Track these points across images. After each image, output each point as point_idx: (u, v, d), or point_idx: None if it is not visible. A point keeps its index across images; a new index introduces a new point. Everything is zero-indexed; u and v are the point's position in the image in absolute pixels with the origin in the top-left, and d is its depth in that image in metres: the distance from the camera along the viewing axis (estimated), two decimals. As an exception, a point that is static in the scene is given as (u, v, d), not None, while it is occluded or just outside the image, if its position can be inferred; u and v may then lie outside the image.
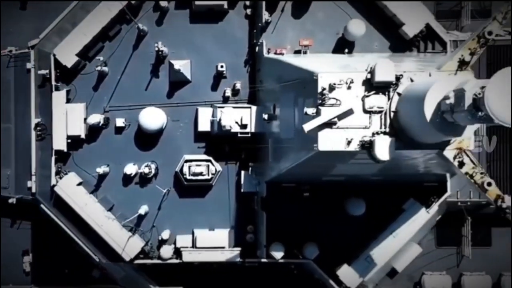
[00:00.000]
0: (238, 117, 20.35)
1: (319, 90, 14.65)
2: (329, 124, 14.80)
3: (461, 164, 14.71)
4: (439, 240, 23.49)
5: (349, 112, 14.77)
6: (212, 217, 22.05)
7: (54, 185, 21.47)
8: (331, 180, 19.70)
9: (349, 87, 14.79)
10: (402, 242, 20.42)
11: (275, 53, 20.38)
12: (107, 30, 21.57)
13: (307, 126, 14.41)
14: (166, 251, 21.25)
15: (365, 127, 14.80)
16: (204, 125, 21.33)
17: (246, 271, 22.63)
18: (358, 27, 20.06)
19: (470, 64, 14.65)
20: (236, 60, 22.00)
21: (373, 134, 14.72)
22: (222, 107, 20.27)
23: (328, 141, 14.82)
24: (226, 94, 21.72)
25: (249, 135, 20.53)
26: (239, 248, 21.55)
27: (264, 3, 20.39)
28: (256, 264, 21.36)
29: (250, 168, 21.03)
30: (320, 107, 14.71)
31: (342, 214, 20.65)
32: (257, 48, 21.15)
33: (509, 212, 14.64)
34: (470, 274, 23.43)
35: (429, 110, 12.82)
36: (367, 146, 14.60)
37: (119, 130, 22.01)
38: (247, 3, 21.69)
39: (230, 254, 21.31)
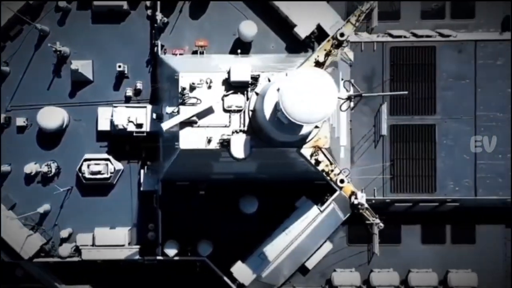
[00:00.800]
0: (133, 117, 20.71)
1: (180, 89, 15.06)
2: (190, 123, 15.22)
3: (318, 162, 15.17)
4: (351, 237, 23.88)
5: (209, 111, 15.19)
6: (114, 215, 22.27)
7: (-49, 185, 21.66)
8: (222, 179, 20.14)
9: (209, 87, 15.21)
10: (294, 239, 20.85)
11: (173, 54, 20.82)
12: (7, 30, 21.74)
13: (165, 125, 14.83)
14: (64, 250, 21.50)
15: (225, 126, 15.23)
16: (103, 125, 21.57)
17: (153, 269, 22.94)
18: (249, 28, 20.47)
19: (326, 64, 15.07)
20: (138, 60, 22.18)
21: (233, 132, 15.17)
22: (116, 107, 20.62)
23: (189, 140, 15.27)
24: (128, 94, 22.00)
25: (145, 134, 20.89)
26: (138, 246, 21.86)
27: (159, 3, 20.76)
28: (155, 262, 21.71)
29: (145, 167, 21.43)
30: (180, 106, 15.12)
31: (236, 212, 21.08)
32: (155, 49, 21.50)
33: (361, 208, 15.12)
34: (378, 271, 23.90)
35: (268, 109, 13.23)
36: (225, 145, 15.01)
37: (21, 129, 22.14)
38: (148, 4, 21.99)
39: (129, 252, 21.61)
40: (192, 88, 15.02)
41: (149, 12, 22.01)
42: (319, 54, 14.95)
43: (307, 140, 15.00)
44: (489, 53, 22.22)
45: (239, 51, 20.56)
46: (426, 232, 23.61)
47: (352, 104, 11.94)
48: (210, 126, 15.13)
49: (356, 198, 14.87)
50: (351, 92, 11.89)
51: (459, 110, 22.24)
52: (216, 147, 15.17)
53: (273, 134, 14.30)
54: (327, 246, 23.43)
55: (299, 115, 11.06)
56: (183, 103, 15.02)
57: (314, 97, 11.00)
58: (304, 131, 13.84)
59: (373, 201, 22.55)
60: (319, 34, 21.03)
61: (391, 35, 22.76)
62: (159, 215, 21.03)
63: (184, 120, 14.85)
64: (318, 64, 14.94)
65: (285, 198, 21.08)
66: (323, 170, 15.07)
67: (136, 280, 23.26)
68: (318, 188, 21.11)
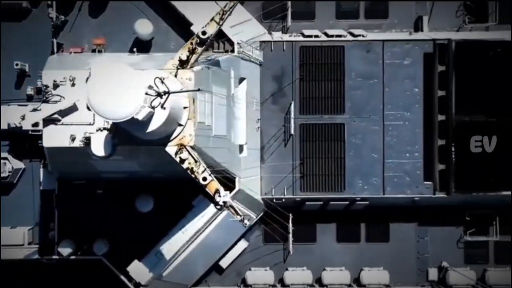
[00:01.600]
0: (29, 115, 20.47)
1: (42, 87, 15.02)
2: (53, 121, 15.15)
3: (182, 160, 15.16)
4: (267, 236, 23.91)
5: (73, 109, 15.13)
6: (16, 215, 21.94)
7: None
8: (119, 178, 20.03)
9: (73, 84, 15.15)
10: (193, 238, 20.83)
11: (69, 53, 20.73)
12: None
13: (26, 123, 14.73)
14: (-41, 250, 21.36)
15: (90, 123, 15.19)
16: (2, 123, 21.37)
17: (55, 268, 22.83)
18: (144, 27, 20.46)
19: (190, 62, 15.09)
20: (40, 58, 21.70)
21: (97, 130, 15.12)
22: (9, 105, 20.45)
23: (53, 138, 15.18)
24: (29, 93, 21.77)
25: (41, 133, 20.69)
26: (36, 246, 21.73)
27: (54, 3, 20.67)
28: (54, 261, 21.60)
29: (42, 166, 21.30)
30: (43, 104, 15.07)
31: (132, 211, 21.04)
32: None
33: (225, 205, 15.12)
34: (292, 270, 23.92)
35: (116, 107, 13.18)
36: (87, 142, 14.97)
37: None
38: (49, 2, 21.85)
39: (28, 251, 21.47)
40: (56, 85, 14.97)
41: (50, 10, 21.92)
42: (183, 52, 14.98)
43: (172, 138, 15.01)
44: (397, 53, 22.43)
45: (135, 49, 20.52)
46: (341, 230, 23.73)
47: (162, 101, 11.97)
48: (74, 124, 15.09)
49: (219, 196, 14.87)
50: (161, 89, 11.91)
51: (367, 109, 22.44)
52: (80, 145, 15.13)
53: (131, 131, 14.27)
54: (243, 245, 23.45)
55: (103, 111, 11.11)
56: (46, 101, 14.97)
57: (117, 93, 11.03)
58: (151, 128, 13.78)
59: (283, 199, 22.68)
60: (218, 33, 20.95)
61: (302, 35, 22.84)
62: (56, 214, 20.90)
63: (46, 118, 14.79)
64: (182, 62, 14.98)
65: (183, 197, 21.03)
66: (187, 168, 15.06)
67: (40, 279, 23.19)
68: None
